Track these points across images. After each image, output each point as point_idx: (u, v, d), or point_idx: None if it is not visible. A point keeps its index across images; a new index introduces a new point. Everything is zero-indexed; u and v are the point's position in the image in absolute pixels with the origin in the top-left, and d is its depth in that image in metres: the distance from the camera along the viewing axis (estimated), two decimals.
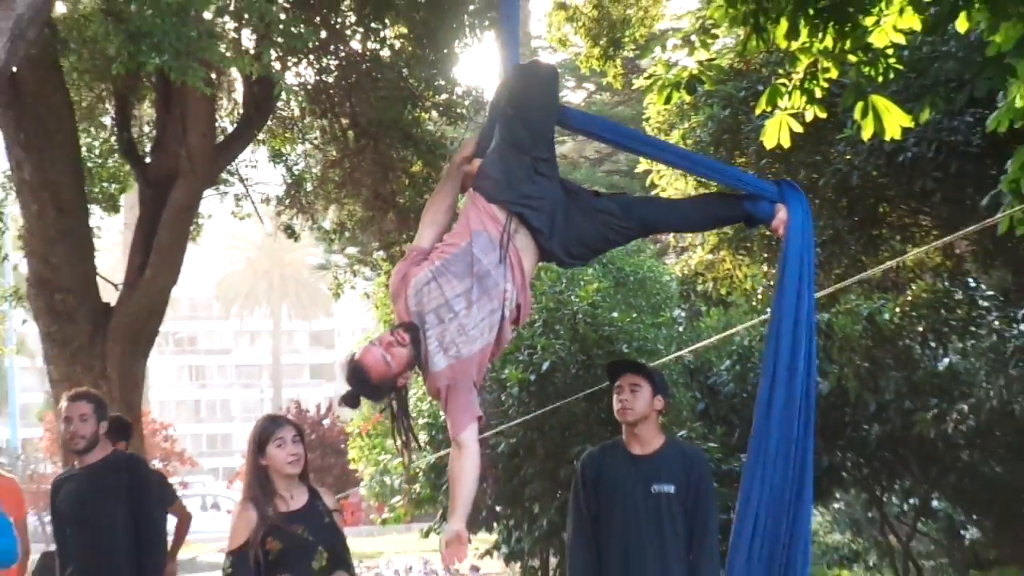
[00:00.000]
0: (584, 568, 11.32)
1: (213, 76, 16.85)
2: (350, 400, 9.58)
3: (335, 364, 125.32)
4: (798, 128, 18.24)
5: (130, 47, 14.64)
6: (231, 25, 17.08)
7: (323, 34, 18.49)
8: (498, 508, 23.26)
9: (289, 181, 23.07)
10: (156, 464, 14.89)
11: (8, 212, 21.57)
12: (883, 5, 17.32)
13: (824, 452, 24.45)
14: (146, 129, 20.51)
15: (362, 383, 9.40)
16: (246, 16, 16.56)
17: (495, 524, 23.69)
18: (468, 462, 9.49)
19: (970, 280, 26.33)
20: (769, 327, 10.24)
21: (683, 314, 25.74)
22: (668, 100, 20.13)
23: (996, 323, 26.19)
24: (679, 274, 27.93)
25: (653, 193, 23.25)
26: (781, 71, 18.43)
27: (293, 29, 17.01)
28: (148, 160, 19.78)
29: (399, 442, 9.85)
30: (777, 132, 18.21)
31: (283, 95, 20.19)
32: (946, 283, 26.11)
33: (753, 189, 10.55)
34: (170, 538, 14.72)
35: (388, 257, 22.13)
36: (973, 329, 26.30)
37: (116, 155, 20.68)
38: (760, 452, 9.92)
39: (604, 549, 11.17)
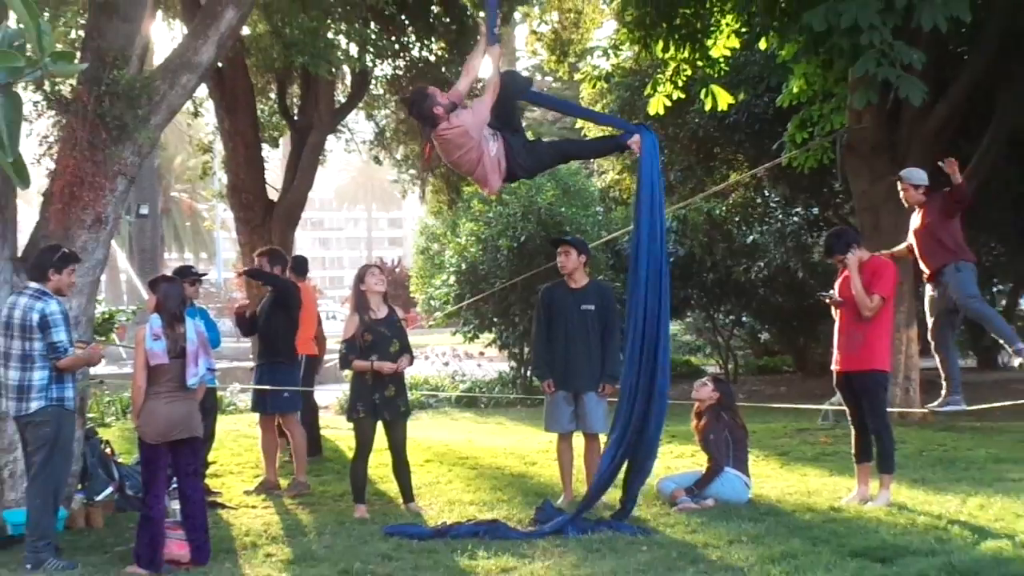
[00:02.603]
0: (543, 352, 11.40)
1: (333, 69, 16.83)
2: (408, 103, 10.37)
3: (403, 237, 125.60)
4: (668, 103, 18.40)
5: (285, 52, 14.66)
6: (344, 40, 17.06)
7: (396, 46, 18.47)
8: (495, 319, 23.40)
9: (377, 131, 23.16)
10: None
11: (216, 148, 21.61)
12: (717, 32, 17.37)
13: (680, 288, 24.64)
14: (295, 100, 20.50)
15: (419, 92, 9.74)
16: (353, 35, 16.58)
17: (493, 329, 23.83)
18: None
19: (765, 191, 26.43)
20: (637, 214, 10.31)
21: (601, 209, 25.68)
22: (594, 86, 20.54)
23: (780, 216, 26.63)
24: (599, 186, 27.86)
25: (582, 135, 23.28)
26: (659, 71, 18.43)
27: (380, 43, 17.17)
28: (296, 118, 19.80)
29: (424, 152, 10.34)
30: (657, 105, 18.34)
31: (374, 81, 20.38)
32: (752, 193, 26.31)
33: (622, 127, 10.84)
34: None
35: (433, 175, 22.26)
36: (767, 219, 26.75)
37: (277, 115, 20.68)
38: (634, 287, 10.01)
39: (554, 342, 11.23)
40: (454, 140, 9.39)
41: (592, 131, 22.61)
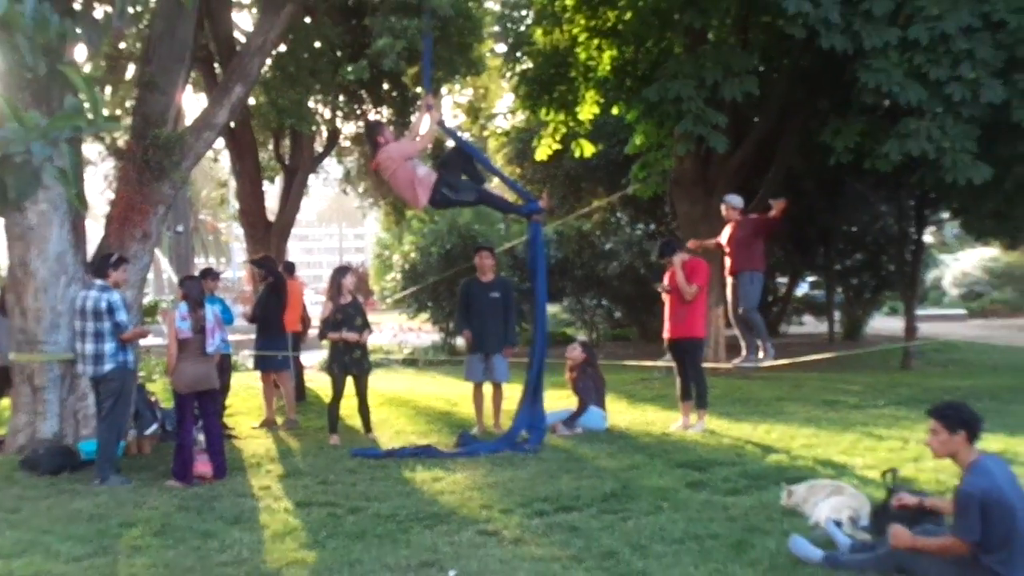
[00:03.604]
0: (463, 325, 11.29)
1: (313, 128, 16.64)
2: (367, 126, 10.86)
3: (365, 247, 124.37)
4: (550, 152, 18.32)
5: (278, 116, 14.45)
6: (320, 107, 16.86)
7: (358, 112, 18.26)
8: (429, 303, 23.24)
9: (345, 171, 22.95)
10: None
11: (230, 183, 21.26)
12: (583, 102, 17.37)
13: (559, 281, 24.55)
14: (286, 150, 20.21)
15: (376, 123, 10.33)
16: (327, 103, 16.43)
17: (428, 310, 23.68)
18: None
19: (618, 213, 26.39)
20: (531, 243, 10.34)
21: (504, 226, 25.54)
22: (498, 140, 20.21)
23: (628, 230, 26.47)
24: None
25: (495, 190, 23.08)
26: (543, 129, 18.35)
27: (346, 109, 16.98)
28: (287, 162, 19.51)
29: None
30: (541, 153, 18.28)
31: (342, 136, 20.16)
32: (608, 214, 26.24)
33: (526, 197, 10.99)
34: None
35: (387, 203, 22.03)
36: (619, 232, 26.58)
37: (273, 159, 20.38)
38: (536, 282, 10.09)
39: (471, 319, 11.15)
40: (383, 163, 9.68)
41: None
